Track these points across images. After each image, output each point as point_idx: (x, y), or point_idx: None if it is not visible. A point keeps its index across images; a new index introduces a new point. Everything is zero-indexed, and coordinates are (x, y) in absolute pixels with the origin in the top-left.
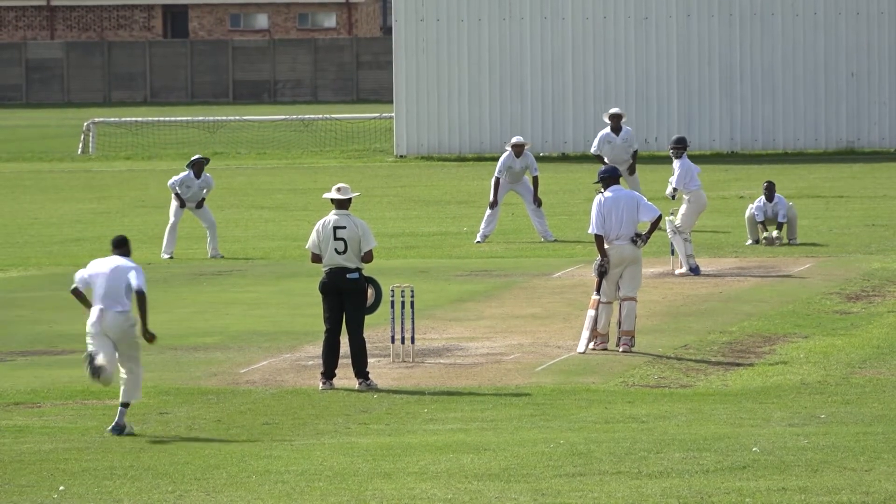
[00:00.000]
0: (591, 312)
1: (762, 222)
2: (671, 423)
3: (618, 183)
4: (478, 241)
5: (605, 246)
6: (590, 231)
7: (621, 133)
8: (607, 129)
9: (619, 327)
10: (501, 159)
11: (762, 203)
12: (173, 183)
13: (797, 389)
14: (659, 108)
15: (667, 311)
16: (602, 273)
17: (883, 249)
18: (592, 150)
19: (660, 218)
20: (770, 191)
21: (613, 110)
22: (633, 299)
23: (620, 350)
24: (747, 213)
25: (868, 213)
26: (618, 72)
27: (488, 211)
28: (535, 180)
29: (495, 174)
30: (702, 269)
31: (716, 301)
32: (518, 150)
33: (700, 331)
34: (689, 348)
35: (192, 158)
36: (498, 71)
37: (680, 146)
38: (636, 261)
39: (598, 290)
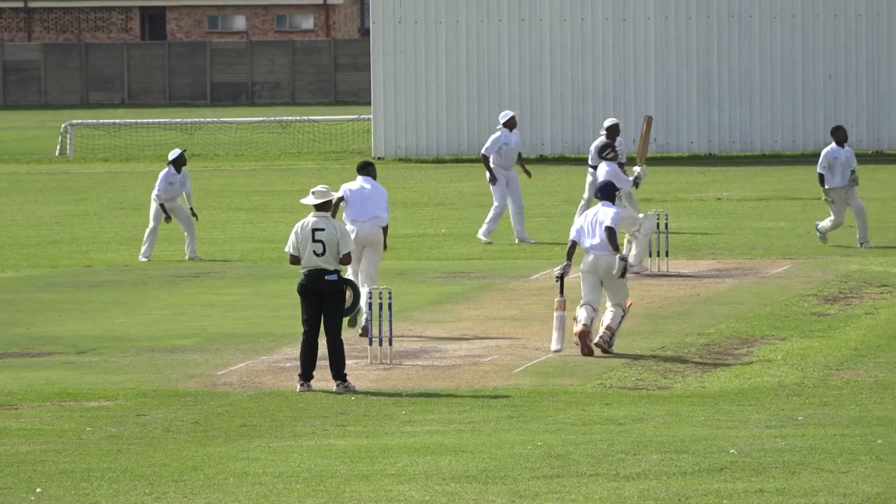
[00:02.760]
0: (556, 314)
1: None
2: (649, 424)
3: (612, 198)
4: (487, 242)
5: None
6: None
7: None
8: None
9: (602, 325)
10: (493, 139)
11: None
12: (159, 191)
13: (775, 391)
14: (637, 110)
15: (644, 312)
16: (559, 277)
17: (861, 251)
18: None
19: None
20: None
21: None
22: (621, 307)
23: (595, 341)
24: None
25: (846, 216)
26: (595, 74)
27: (493, 207)
28: (520, 156)
29: (482, 151)
30: (680, 270)
31: (693, 303)
32: (513, 122)
33: (678, 332)
34: (667, 350)
35: (174, 154)
36: (476, 73)
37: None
38: (611, 273)
39: (560, 292)
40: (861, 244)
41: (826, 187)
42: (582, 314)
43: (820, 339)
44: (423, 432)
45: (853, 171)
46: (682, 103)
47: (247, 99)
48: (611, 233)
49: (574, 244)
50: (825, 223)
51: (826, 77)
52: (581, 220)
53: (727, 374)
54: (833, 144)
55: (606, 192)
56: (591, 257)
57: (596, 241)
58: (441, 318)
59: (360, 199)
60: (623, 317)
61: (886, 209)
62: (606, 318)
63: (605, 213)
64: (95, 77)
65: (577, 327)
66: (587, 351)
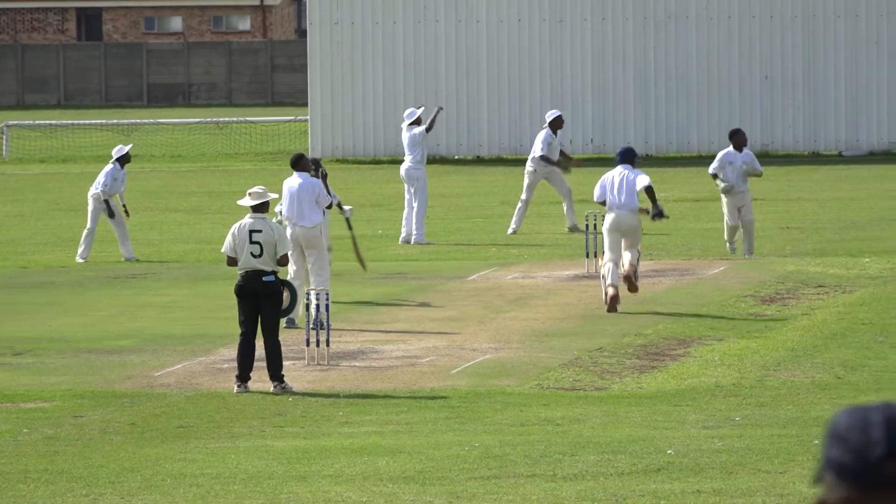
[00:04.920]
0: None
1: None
2: (586, 425)
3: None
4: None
5: (607, 215)
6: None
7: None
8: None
9: (624, 265)
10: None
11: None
12: (105, 187)
13: (712, 392)
14: (573, 111)
15: (582, 313)
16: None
17: (797, 252)
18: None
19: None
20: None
21: (555, 113)
22: (636, 248)
23: (623, 273)
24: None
25: (782, 216)
26: (532, 74)
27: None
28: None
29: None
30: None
31: (630, 303)
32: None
33: (615, 333)
34: (604, 351)
35: (121, 151)
36: (412, 73)
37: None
38: (632, 229)
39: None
40: (746, 255)
41: (722, 183)
42: (610, 273)
43: (757, 340)
44: (360, 433)
45: (757, 173)
46: (619, 104)
47: (183, 100)
48: (650, 191)
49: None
50: (725, 235)
51: (762, 78)
52: (603, 183)
53: (664, 375)
54: (730, 147)
55: (627, 157)
56: (613, 216)
57: (621, 201)
58: (378, 319)
59: (293, 198)
60: (639, 256)
61: (823, 210)
62: (625, 258)
63: (635, 178)
64: (31, 78)
65: (610, 291)
66: (614, 309)
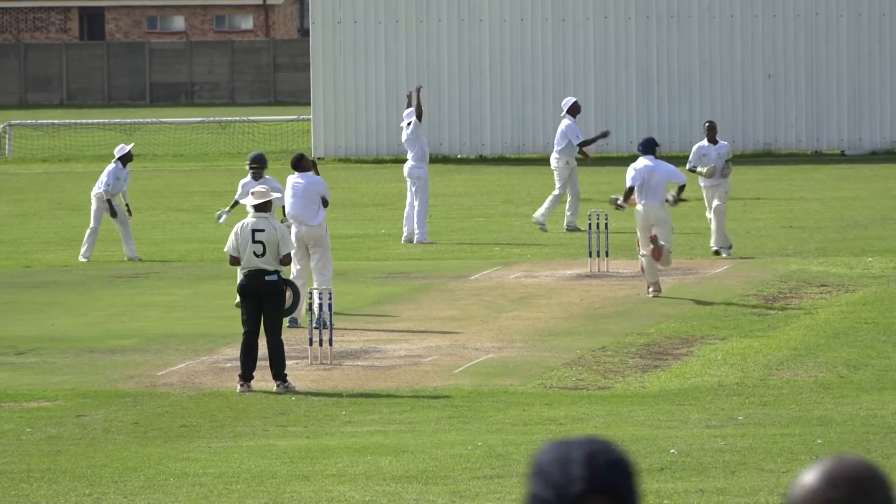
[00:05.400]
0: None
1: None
2: (589, 424)
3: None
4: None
5: (637, 206)
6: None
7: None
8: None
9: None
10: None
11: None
12: (107, 187)
13: (715, 391)
14: None
15: (584, 312)
16: (615, 201)
17: (800, 251)
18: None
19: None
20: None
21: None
22: (667, 244)
23: (660, 266)
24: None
25: (785, 215)
26: (535, 74)
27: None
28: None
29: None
30: (620, 270)
31: (633, 303)
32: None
33: (618, 332)
34: (607, 350)
35: (123, 150)
36: (415, 73)
37: None
38: (661, 220)
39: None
40: (716, 248)
41: (704, 168)
42: (647, 271)
43: (760, 339)
44: (363, 433)
45: (726, 163)
46: (622, 103)
47: (186, 99)
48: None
49: (632, 189)
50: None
51: (765, 77)
52: (635, 174)
53: (667, 374)
54: (704, 140)
55: (648, 147)
56: (643, 211)
57: (649, 195)
58: (381, 319)
59: (298, 198)
60: (670, 253)
61: (825, 209)
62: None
63: (664, 174)
64: (34, 77)
65: (651, 291)
66: (657, 255)
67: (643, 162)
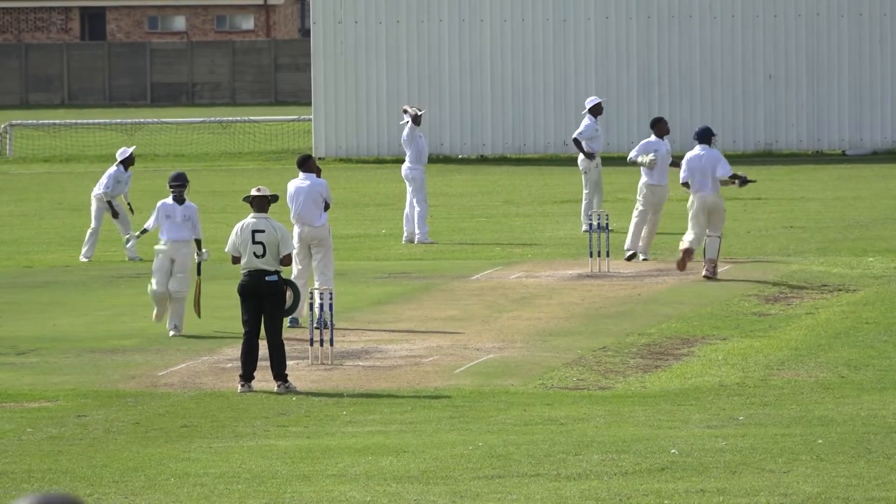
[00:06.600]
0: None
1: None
2: (590, 425)
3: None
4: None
5: (691, 196)
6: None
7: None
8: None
9: (704, 257)
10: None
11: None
12: (107, 188)
13: (715, 391)
14: (577, 110)
15: (585, 312)
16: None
17: (801, 251)
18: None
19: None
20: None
21: (595, 100)
22: (717, 237)
23: (703, 275)
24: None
25: (786, 216)
26: (536, 74)
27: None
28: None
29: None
30: (620, 270)
31: (634, 303)
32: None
33: (618, 332)
34: (608, 350)
35: (125, 153)
36: (416, 73)
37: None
38: (716, 208)
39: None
40: (640, 253)
41: (647, 158)
42: (689, 236)
43: (760, 339)
44: (364, 433)
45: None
46: (623, 103)
47: (187, 99)
48: (734, 176)
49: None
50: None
51: (766, 77)
52: (688, 166)
53: (668, 374)
54: (652, 136)
55: (704, 137)
56: (698, 198)
57: (703, 184)
58: (382, 319)
59: (302, 199)
60: (719, 245)
61: (826, 209)
62: (708, 251)
63: (714, 165)
64: (35, 77)
65: (684, 245)
66: (682, 267)
67: (696, 151)
